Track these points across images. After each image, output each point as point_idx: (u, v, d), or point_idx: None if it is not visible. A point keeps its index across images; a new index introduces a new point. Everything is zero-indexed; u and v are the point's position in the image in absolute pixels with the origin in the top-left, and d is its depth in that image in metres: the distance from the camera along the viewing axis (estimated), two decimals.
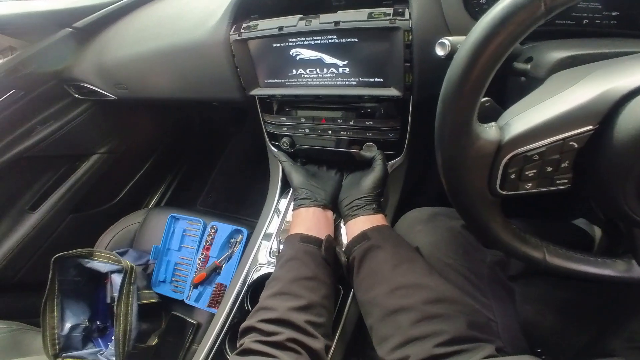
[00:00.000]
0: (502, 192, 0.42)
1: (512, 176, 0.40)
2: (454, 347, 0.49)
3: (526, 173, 0.40)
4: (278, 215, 0.96)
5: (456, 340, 0.50)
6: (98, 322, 1.09)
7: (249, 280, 0.87)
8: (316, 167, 0.94)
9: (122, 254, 1.07)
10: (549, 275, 0.75)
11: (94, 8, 1.07)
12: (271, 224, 0.96)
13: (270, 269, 0.87)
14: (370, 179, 0.79)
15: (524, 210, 0.92)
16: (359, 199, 0.76)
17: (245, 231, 1.07)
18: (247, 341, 0.55)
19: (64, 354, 0.97)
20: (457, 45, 0.44)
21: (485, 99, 0.45)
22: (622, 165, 0.37)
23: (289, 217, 0.95)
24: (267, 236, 0.94)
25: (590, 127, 0.37)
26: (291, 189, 0.99)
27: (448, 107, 0.38)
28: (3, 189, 1.18)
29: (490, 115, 0.44)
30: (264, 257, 0.90)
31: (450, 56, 0.46)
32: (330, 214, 0.81)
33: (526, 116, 0.39)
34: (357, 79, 0.74)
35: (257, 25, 0.77)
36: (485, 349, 0.49)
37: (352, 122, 0.83)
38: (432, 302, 0.55)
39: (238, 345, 0.57)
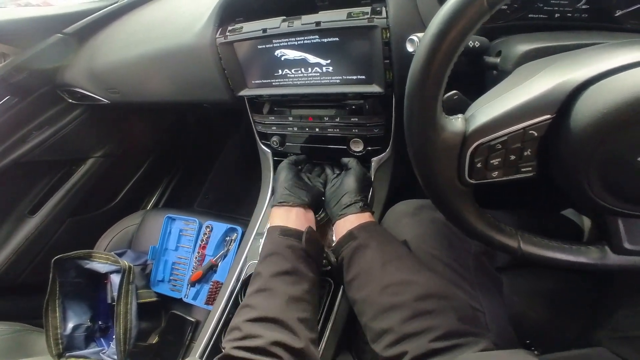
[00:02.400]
0: (471, 181, 0.44)
1: (479, 165, 0.42)
2: (450, 341, 0.50)
3: (492, 162, 0.41)
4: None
5: (450, 334, 0.51)
6: (100, 322, 1.11)
7: (243, 276, 0.89)
8: (304, 172, 0.94)
9: (120, 255, 1.09)
10: (536, 266, 0.76)
11: (83, 14, 1.09)
12: (264, 222, 0.97)
13: None
14: (350, 179, 0.80)
15: (513, 201, 0.94)
16: (345, 197, 0.77)
17: (239, 229, 1.09)
18: (228, 346, 0.55)
19: (67, 354, 0.99)
20: None
21: (453, 92, 0.47)
22: (582, 153, 0.38)
23: None
24: (260, 233, 0.95)
25: (548, 116, 0.39)
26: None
27: (412, 101, 0.40)
28: (2, 194, 1.21)
29: (459, 107, 0.46)
30: (257, 254, 0.91)
31: None
32: (311, 214, 0.81)
33: (489, 107, 0.41)
34: (340, 77, 0.76)
35: (241, 27, 0.78)
36: (480, 343, 0.51)
37: (338, 119, 0.85)
38: (422, 298, 0.56)
39: (222, 345, 0.58)
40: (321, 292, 0.82)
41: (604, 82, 0.37)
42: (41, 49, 1.08)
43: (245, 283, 0.88)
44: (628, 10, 0.59)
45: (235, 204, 1.70)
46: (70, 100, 1.24)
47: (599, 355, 0.64)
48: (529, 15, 0.61)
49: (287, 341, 0.55)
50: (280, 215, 0.77)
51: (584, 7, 0.60)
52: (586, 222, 0.84)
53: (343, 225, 0.73)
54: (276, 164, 1.03)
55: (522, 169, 0.43)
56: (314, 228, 0.76)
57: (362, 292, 0.63)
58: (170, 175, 1.85)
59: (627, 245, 0.47)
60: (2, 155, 1.15)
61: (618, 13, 0.59)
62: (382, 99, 0.79)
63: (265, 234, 0.76)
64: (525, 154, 0.41)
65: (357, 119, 0.83)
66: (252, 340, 0.55)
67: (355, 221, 0.72)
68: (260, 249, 0.90)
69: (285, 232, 0.72)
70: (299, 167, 0.92)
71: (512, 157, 0.41)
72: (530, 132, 0.39)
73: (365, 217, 0.74)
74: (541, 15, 0.61)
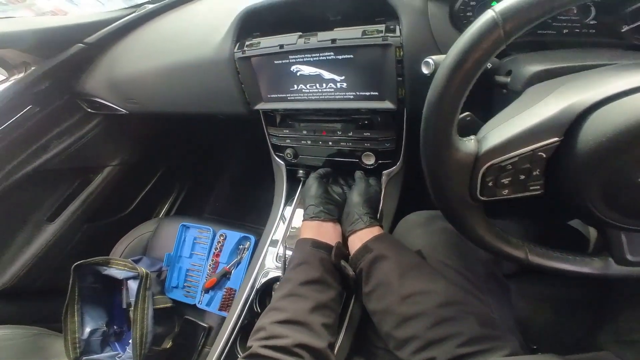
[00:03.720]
0: (482, 197, 0.46)
1: (490, 184, 0.44)
2: (475, 346, 0.53)
3: (502, 181, 0.44)
4: (284, 223, 1.01)
5: (475, 339, 0.54)
6: (115, 327, 1.14)
7: (257, 284, 0.91)
8: (332, 183, 0.96)
9: (136, 262, 1.11)
10: (542, 273, 0.78)
11: (104, 23, 1.10)
12: (277, 231, 1.00)
13: (276, 274, 0.92)
14: (354, 194, 0.84)
15: (521, 212, 0.95)
16: (352, 212, 0.81)
17: (252, 238, 1.12)
18: (255, 345, 0.59)
19: (84, 357, 1.01)
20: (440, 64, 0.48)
21: (466, 113, 0.49)
22: (587, 173, 0.41)
23: (294, 224, 0.99)
24: (274, 242, 0.98)
25: (556, 139, 0.41)
26: (297, 197, 1.03)
27: (429, 125, 0.43)
28: (22, 201, 1.23)
29: (471, 128, 0.48)
30: (271, 262, 0.95)
31: (434, 74, 0.50)
32: (339, 228, 0.84)
33: (500, 130, 0.43)
34: (354, 93, 0.78)
35: (259, 43, 0.81)
36: (505, 348, 0.53)
37: (350, 134, 0.87)
38: (443, 306, 0.59)
39: (248, 344, 0.61)
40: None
41: (609, 106, 0.39)
42: (63, 59, 1.10)
43: (260, 291, 0.90)
44: (633, 26, 0.61)
45: (243, 211, 1.74)
46: (89, 110, 1.26)
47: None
48: (538, 31, 0.63)
49: (311, 343, 0.58)
50: (312, 228, 0.81)
51: (591, 22, 0.62)
52: (592, 232, 0.85)
53: (357, 239, 0.76)
54: (289, 175, 1.06)
55: (531, 187, 0.45)
56: (341, 242, 0.79)
57: (381, 303, 0.66)
58: (182, 184, 1.89)
59: (629, 257, 0.49)
60: (24, 164, 1.18)
61: (624, 29, 0.61)
62: (393, 114, 0.81)
63: (295, 245, 0.80)
64: (534, 173, 0.43)
65: (369, 134, 0.85)
66: (279, 340, 0.58)
67: (366, 235, 0.75)
68: (275, 256, 0.94)
69: (317, 244, 0.76)
70: (326, 180, 0.94)
71: (522, 177, 0.44)
72: (539, 153, 0.42)
73: (375, 231, 0.77)
74: (550, 32, 0.63)
